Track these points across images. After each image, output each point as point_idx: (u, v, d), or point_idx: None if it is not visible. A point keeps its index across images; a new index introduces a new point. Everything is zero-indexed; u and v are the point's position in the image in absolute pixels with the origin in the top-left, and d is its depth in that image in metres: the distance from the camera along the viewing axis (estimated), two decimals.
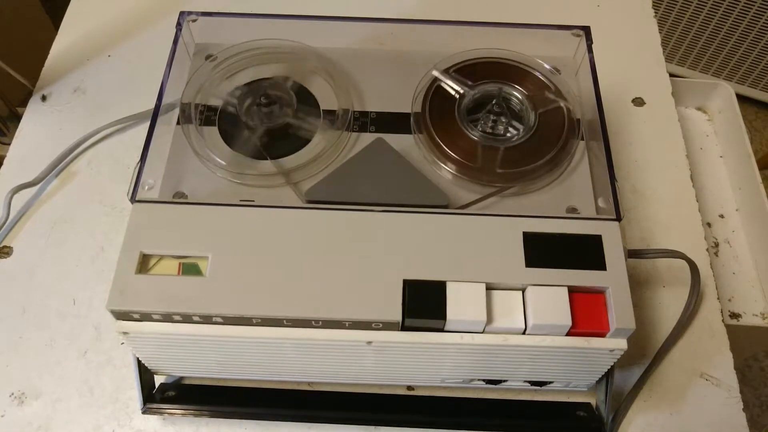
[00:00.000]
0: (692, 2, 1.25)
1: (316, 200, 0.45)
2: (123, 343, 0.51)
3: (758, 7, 1.19)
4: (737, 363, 0.50)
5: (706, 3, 1.24)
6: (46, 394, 0.49)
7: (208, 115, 0.50)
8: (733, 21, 1.24)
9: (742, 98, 0.68)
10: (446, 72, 0.50)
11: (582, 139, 0.48)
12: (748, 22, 1.23)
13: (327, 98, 0.50)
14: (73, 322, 0.52)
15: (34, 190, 0.58)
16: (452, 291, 0.40)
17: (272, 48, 0.53)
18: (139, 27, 0.70)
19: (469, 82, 0.50)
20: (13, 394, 0.49)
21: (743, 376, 0.49)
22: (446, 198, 0.45)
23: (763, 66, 1.30)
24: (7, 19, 1.11)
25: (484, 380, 0.46)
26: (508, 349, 0.41)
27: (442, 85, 0.50)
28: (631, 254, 0.46)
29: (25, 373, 0.50)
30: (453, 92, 0.50)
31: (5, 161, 0.61)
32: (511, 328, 0.40)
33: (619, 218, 0.43)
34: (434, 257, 0.41)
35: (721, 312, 0.52)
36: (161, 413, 0.47)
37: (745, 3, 1.20)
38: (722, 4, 1.22)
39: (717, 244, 0.62)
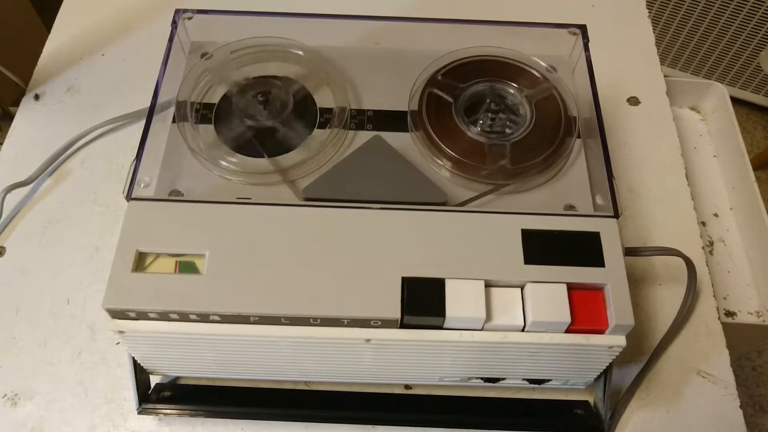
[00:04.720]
0: (683, 5, 1.26)
1: (313, 198, 0.44)
2: (118, 343, 0.50)
3: (749, 9, 1.20)
4: (732, 361, 0.50)
5: (697, 5, 1.24)
6: (40, 395, 0.48)
7: (203, 113, 0.49)
8: (724, 23, 1.25)
9: (733, 100, 0.68)
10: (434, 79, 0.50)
11: (579, 136, 0.48)
12: (739, 24, 1.23)
13: (324, 96, 0.50)
14: (67, 323, 0.51)
15: (27, 189, 0.58)
16: (451, 288, 0.40)
17: (268, 46, 0.52)
18: (133, 25, 0.70)
19: (462, 82, 0.50)
20: (6, 395, 0.48)
21: (736, 377, 0.49)
22: (444, 195, 0.45)
23: (754, 68, 1.31)
24: None
25: (482, 378, 0.45)
26: (506, 347, 0.41)
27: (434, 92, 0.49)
28: (628, 252, 0.46)
29: (18, 374, 0.49)
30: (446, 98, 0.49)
31: None
32: (510, 325, 0.40)
33: (617, 215, 0.43)
34: (433, 254, 0.41)
35: (717, 309, 0.52)
36: (157, 413, 0.46)
37: (736, 5, 1.21)
38: (713, 6, 1.23)
39: (712, 243, 0.62)
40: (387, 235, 0.42)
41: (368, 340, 0.40)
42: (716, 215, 0.64)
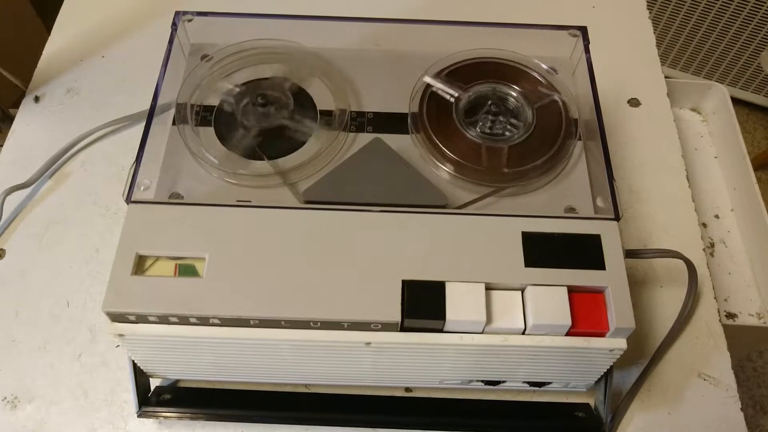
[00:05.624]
0: (684, 5, 1.26)
1: (313, 200, 0.44)
2: (118, 346, 0.50)
3: (750, 9, 1.20)
4: (733, 363, 0.50)
5: (698, 6, 1.24)
6: (40, 398, 0.48)
7: (204, 116, 0.49)
8: (724, 24, 1.25)
9: (733, 100, 0.68)
10: (438, 76, 0.50)
11: (579, 138, 0.48)
12: (740, 24, 1.23)
13: (324, 98, 0.50)
14: (67, 325, 0.51)
15: (27, 191, 0.58)
16: (451, 291, 0.40)
17: (269, 48, 0.52)
18: (133, 27, 0.70)
19: (463, 84, 0.50)
20: (5, 398, 0.48)
21: (737, 377, 0.49)
22: (444, 198, 0.44)
23: (755, 68, 1.31)
24: None
25: (482, 381, 0.45)
26: (507, 350, 0.41)
27: (435, 90, 0.50)
28: (629, 254, 0.46)
29: (18, 377, 0.49)
30: (448, 97, 0.49)
31: None
32: (510, 328, 0.40)
33: (617, 218, 0.43)
34: (433, 257, 0.41)
35: (718, 311, 0.52)
36: (157, 416, 0.46)
37: (736, 6, 1.21)
38: (714, 6, 1.23)
39: (713, 245, 0.62)
40: (387, 237, 0.41)
41: (368, 344, 0.40)
42: (717, 216, 0.64)
